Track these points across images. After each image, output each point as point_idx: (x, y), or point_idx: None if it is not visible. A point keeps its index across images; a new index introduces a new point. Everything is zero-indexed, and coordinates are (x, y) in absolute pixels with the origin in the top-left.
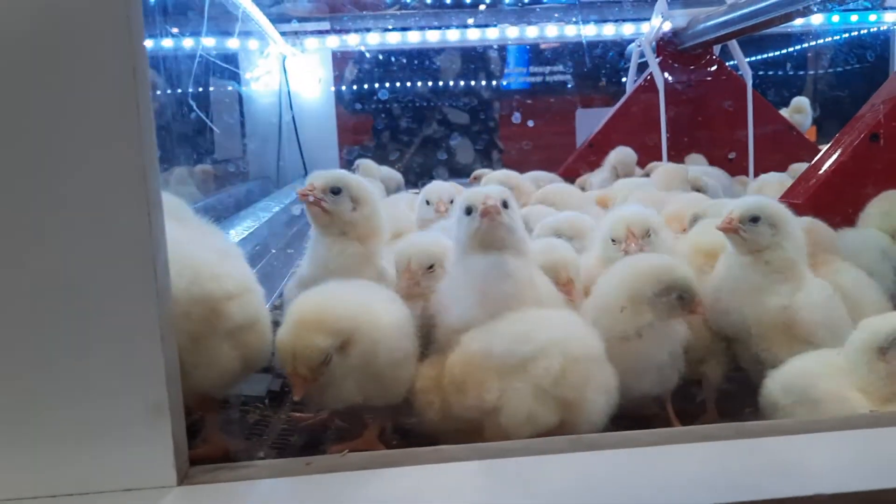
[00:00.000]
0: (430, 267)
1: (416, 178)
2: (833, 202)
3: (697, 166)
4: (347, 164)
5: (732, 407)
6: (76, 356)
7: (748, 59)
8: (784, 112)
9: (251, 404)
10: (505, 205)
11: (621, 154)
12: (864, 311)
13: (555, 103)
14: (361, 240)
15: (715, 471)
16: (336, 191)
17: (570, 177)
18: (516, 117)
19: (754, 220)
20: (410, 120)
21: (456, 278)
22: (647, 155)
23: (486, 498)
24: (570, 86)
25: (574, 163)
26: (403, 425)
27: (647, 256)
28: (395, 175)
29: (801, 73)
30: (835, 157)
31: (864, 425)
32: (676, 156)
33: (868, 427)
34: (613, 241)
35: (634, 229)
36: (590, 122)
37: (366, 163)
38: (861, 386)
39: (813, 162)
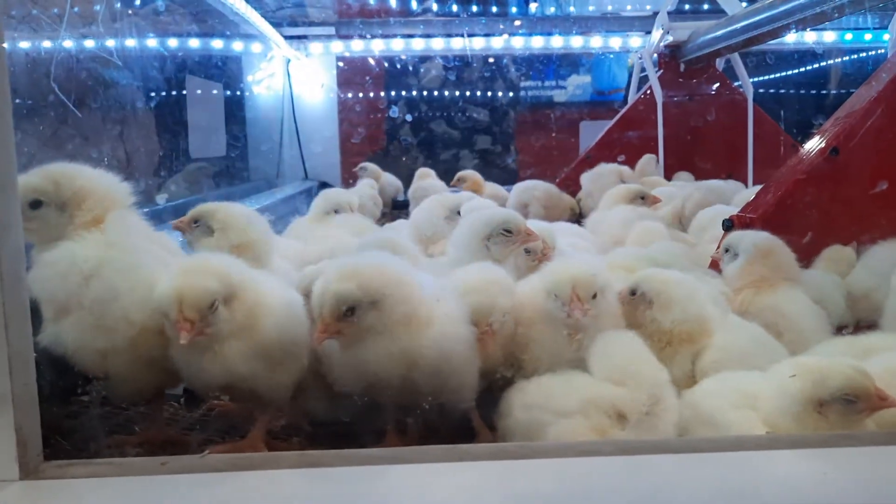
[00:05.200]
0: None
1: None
2: (791, 216)
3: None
4: (348, 167)
5: None
6: None
7: (760, 79)
8: None
9: (168, 402)
10: None
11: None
12: (804, 338)
13: (562, 115)
14: None
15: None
16: None
17: (564, 188)
18: (513, 126)
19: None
20: (414, 127)
21: None
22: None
23: None
24: (577, 97)
25: (571, 174)
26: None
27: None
28: (395, 181)
29: (814, 91)
30: (795, 171)
31: (758, 447)
32: (672, 168)
33: (763, 449)
34: (556, 296)
35: (580, 292)
36: (594, 133)
37: (371, 166)
38: (775, 424)
39: (775, 175)
